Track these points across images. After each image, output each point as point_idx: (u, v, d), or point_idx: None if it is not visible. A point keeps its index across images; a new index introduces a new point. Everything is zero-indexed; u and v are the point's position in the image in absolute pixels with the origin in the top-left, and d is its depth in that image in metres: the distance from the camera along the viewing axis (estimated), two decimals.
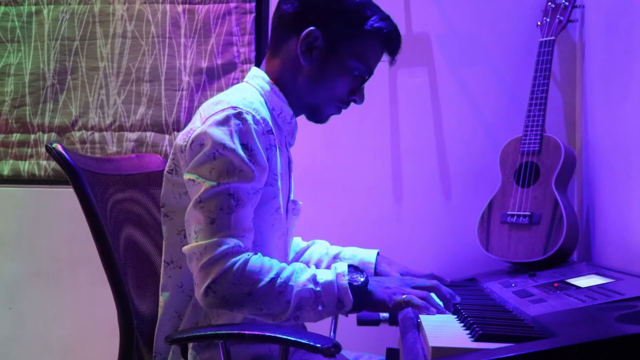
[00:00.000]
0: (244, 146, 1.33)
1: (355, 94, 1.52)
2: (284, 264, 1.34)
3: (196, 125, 1.37)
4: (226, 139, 1.32)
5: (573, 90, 2.26)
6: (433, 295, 1.39)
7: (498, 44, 2.31)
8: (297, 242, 1.79)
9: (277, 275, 1.29)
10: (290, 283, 1.30)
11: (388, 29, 1.49)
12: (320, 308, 1.30)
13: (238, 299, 1.27)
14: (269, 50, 1.53)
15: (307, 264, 1.72)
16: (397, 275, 1.65)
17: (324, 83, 1.48)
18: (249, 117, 1.35)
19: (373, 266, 1.69)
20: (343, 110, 1.57)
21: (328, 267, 1.69)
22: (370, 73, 1.53)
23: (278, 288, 1.29)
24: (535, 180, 1.97)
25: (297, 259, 1.75)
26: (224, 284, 1.26)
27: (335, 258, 1.72)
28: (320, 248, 1.75)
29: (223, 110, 1.35)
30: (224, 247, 1.27)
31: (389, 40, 1.50)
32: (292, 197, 1.58)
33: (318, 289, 1.30)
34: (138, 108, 2.51)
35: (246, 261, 1.27)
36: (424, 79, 2.34)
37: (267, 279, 1.28)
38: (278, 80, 1.49)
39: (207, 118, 1.36)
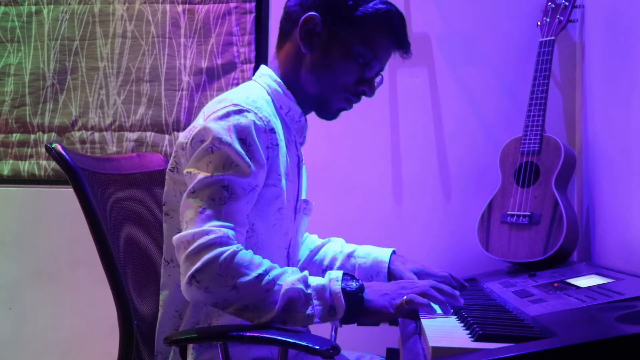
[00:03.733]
0: (242, 141, 1.32)
1: (365, 85, 1.48)
2: (275, 264, 1.29)
3: (199, 122, 1.38)
4: (223, 133, 1.32)
5: (573, 90, 2.26)
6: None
7: (498, 44, 2.31)
8: (313, 240, 1.77)
9: (266, 272, 1.24)
10: (279, 282, 1.24)
11: (387, 9, 1.45)
12: (309, 311, 1.23)
13: (222, 291, 1.22)
14: (276, 47, 1.53)
15: (322, 262, 1.70)
16: (410, 274, 1.63)
17: (327, 70, 1.46)
18: (249, 114, 1.35)
19: (387, 265, 1.66)
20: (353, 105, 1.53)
21: (342, 265, 1.68)
22: (378, 59, 1.48)
23: (265, 285, 1.23)
24: (535, 180, 1.97)
25: (312, 256, 1.73)
26: (209, 274, 1.21)
27: (350, 257, 1.69)
28: (335, 246, 1.73)
29: (225, 107, 1.36)
30: (212, 236, 1.23)
31: (390, 21, 1.46)
32: (303, 196, 1.57)
33: (309, 291, 1.25)
34: (138, 108, 2.51)
35: (234, 253, 1.22)
36: (424, 79, 2.34)
37: (254, 274, 1.22)
38: (284, 76, 1.49)
39: (209, 115, 1.36)
